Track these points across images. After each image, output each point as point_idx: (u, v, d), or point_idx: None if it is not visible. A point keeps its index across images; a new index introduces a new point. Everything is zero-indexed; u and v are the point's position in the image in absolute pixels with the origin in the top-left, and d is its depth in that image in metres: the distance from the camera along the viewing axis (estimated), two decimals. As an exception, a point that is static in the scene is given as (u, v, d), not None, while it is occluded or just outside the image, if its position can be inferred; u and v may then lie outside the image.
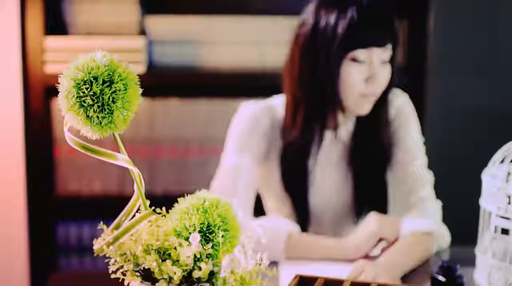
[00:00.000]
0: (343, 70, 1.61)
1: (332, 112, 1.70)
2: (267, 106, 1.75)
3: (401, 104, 1.78)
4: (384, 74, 1.63)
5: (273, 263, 1.58)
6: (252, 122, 1.72)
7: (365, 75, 1.61)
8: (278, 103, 1.76)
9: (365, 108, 1.66)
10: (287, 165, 1.73)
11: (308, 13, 1.65)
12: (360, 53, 1.59)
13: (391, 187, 1.76)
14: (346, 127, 1.75)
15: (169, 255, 0.96)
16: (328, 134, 1.73)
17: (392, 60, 1.65)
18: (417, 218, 1.65)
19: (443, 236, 1.67)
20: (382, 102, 1.70)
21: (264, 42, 2.37)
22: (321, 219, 1.78)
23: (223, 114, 2.29)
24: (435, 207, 1.71)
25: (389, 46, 1.62)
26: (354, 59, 1.60)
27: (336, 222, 1.80)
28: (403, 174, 1.73)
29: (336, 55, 1.59)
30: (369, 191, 1.78)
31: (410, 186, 1.71)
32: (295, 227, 1.64)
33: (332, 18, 1.59)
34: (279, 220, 1.68)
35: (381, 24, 1.61)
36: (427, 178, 1.74)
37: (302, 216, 1.76)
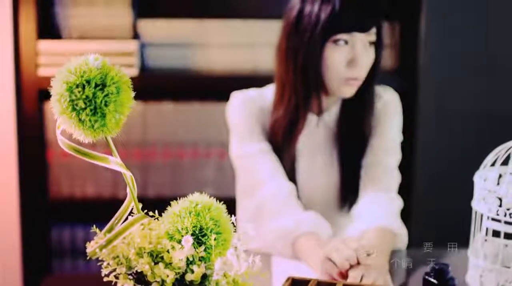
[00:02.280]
0: (326, 53, 1.65)
1: (316, 95, 1.73)
2: (256, 93, 1.81)
3: (389, 99, 1.82)
4: (366, 57, 1.67)
5: (266, 254, 1.61)
6: (244, 108, 1.77)
7: (347, 58, 1.66)
8: (268, 90, 1.81)
9: (348, 92, 1.70)
10: (273, 145, 1.76)
11: None
12: (342, 36, 1.64)
13: (362, 171, 1.79)
14: (331, 112, 1.79)
15: (162, 258, 0.96)
16: (313, 118, 1.77)
17: (377, 43, 1.69)
18: (378, 194, 1.70)
19: (403, 234, 1.67)
20: (368, 88, 1.74)
21: (257, 45, 2.38)
22: (310, 204, 1.80)
23: (216, 117, 2.29)
24: (398, 202, 1.73)
25: (373, 30, 1.66)
26: (336, 42, 1.64)
27: (325, 207, 1.81)
28: (373, 162, 1.77)
29: (319, 38, 1.64)
30: (353, 176, 1.80)
31: (377, 174, 1.75)
32: (317, 228, 1.60)
33: (316, 5, 1.64)
34: (307, 218, 1.63)
35: (364, 10, 1.65)
36: (395, 174, 1.78)
37: None
